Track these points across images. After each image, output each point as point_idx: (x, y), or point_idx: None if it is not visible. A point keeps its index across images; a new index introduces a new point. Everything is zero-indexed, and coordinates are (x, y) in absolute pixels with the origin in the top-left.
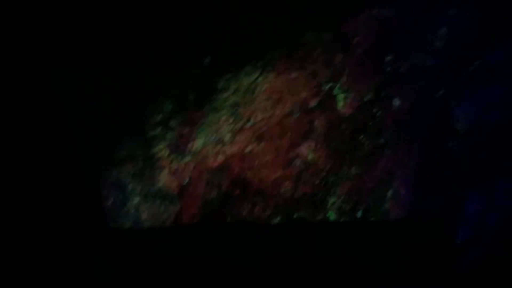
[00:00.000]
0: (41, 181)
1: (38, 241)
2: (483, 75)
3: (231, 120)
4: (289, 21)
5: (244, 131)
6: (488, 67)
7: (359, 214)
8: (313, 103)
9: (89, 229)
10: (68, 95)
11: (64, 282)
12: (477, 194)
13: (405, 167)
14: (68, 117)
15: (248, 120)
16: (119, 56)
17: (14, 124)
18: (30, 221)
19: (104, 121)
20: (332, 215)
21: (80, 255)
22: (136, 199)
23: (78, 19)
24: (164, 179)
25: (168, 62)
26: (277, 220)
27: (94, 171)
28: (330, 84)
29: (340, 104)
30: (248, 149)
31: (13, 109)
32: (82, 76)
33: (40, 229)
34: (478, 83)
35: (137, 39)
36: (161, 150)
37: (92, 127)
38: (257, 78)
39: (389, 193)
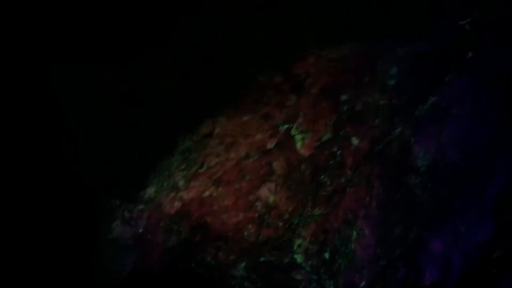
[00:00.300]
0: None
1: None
2: (438, 112)
3: (183, 166)
4: (238, 65)
5: (198, 176)
6: (442, 105)
7: (326, 255)
8: (270, 144)
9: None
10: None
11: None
12: (442, 233)
13: (368, 206)
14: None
15: (202, 166)
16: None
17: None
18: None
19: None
20: (299, 258)
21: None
22: None
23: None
24: (117, 229)
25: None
26: (242, 264)
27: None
28: (286, 125)
29: (299, 144)
30: (206, 194)
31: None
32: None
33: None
34: (435, 120)
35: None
36: (112, 199)
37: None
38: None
39: (354, 234)
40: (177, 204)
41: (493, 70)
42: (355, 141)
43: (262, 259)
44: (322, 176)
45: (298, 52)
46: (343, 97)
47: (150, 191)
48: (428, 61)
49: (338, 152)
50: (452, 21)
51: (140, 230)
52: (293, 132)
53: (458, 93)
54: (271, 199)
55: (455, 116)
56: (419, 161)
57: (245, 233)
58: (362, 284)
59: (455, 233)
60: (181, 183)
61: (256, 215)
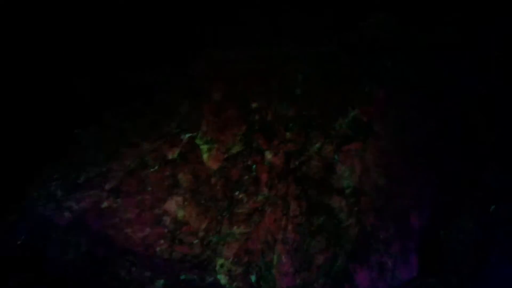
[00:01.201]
0: None
1: None
2: (361, 128)
3: (55, 176)
4: None
5: (78, 186)
6: (364, 120)
7: (253, 278)
8: (172, 154)
9: None
10: None
11: None
12: (368, 265)
13: (284, 230)
14: None
15: (78, 176)
16: None
17: None
18: None
19: None
20: (223, 279)
21: None
22: None
23: None
24: None
25: None
26: (161, 281)
27: None
28: (189, 134)
29: (205, 156)
30: (104, 205)
31: None
32: None
33: None
34: (358, 136)
35: None
36: None
37: None
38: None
39: (275, 258)
40: (68, 215)
41: (414, 82)
42: (268, 155)
43: (182, 277)
44: (237, 192)
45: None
46: (254, 105)
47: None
48: (340, 66)
49: (253, 167)
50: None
51: (19, 242)
52: (198, 141)
53: (380, 106)
54: (180, 214)
55: (377, 133)
56: (345, 182)
57: (157, 249)
58: None
59: (381, 266)
60: (58, 193)
61: (166, 230)
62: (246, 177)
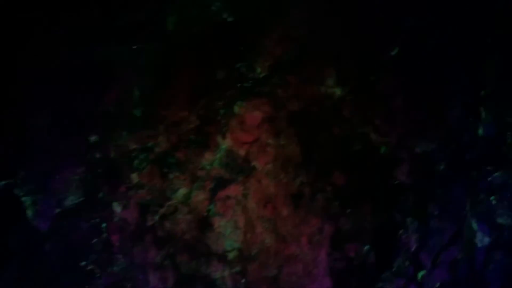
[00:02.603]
0: None
1: None
2: (234, 163)
3: None
4: None
5: None
6: None
7: None
8: None
9: None
10: None
11: None
12: None
13: None
14: None
15: None
16: None
17: None
18: None
19: None
20: None
21: None
22: None
23: None
24: None
25: None
26: None
27: None
28: (3, 181)
29: (30, 212)
30: None
31: None
32: None
33: None
34: (234, 175)
35: None
36: None
37: None
38: None
39: None
40: None
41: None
42: (117, 208)
43: None
44: (84, 262)
45: None
46: (93, 138)
47: None
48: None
49: (103, 226)
50: None
51: None
52: (17, 192)
53: (256, 133)
54: None
55: (257, 171)
56: (227, 242)
57: None
58: None
59: None
60: None
61: None
62: (95, 240)
